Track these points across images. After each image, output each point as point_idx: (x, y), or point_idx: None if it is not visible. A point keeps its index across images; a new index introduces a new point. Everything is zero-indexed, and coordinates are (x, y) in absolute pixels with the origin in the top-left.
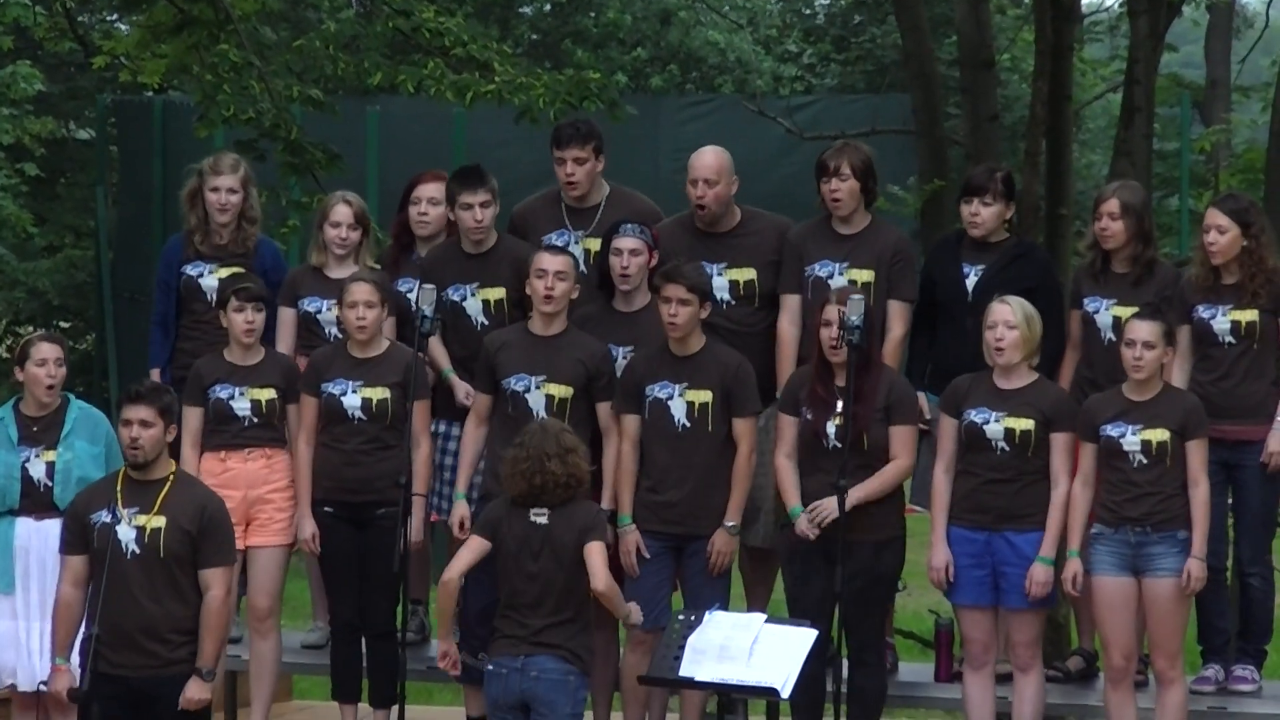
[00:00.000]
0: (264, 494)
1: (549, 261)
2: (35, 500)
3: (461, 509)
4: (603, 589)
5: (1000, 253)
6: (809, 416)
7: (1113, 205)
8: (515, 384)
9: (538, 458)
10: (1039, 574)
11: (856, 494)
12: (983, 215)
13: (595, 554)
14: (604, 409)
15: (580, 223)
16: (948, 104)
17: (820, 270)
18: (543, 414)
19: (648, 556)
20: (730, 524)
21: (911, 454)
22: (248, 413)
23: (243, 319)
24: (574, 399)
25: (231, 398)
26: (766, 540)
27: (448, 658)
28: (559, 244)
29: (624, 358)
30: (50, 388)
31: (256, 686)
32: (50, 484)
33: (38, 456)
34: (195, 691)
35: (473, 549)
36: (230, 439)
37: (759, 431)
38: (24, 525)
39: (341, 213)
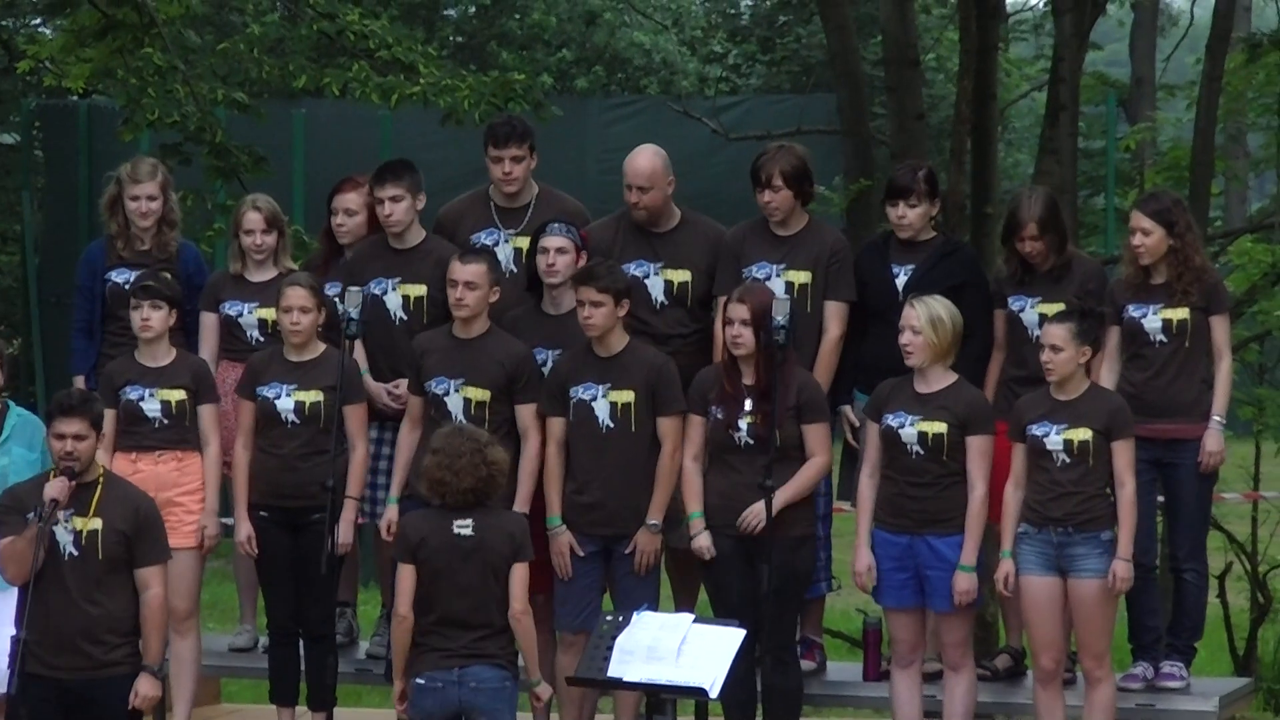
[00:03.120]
0: (174, 496)
1: (459, 271)
2: None
3: (392, 512)
4: (519, 613)
5: (929, 252)
6: (719, 415)
7: (1032, 229)
8: (436, 387)
9: (478, 450)
10: (962, 582)
11: (781, 497)
12: (909, 217)
13: (518, 577)
14: (524, 411)
15: (510, 222)
16: (873, 103)
17: (758, 271)
18: (461, 417)
19: (581, 555)
20: (652, 522)
21: (827, 451)
22: (158, 413)
23: (138, 316)
24: (493, 401)
25: (142, 399)
26: (684, 542)
27: (404, 700)
28: (488, 243)
29: (553, 360)
30: None
31: (178, 686)
32: None
33: None
34: (147, 688)
35: (408, 577)
36: (141, 440)
37: None
38: None
39: (252, 219)
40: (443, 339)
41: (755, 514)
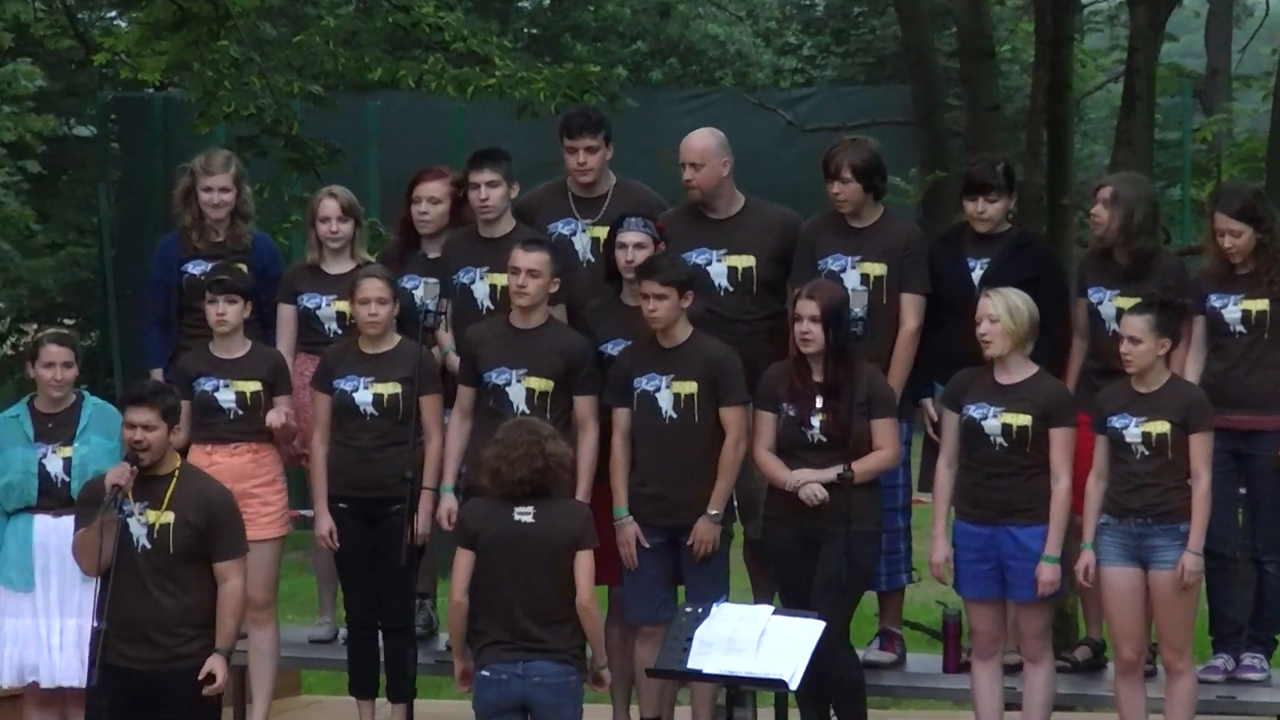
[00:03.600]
0: (250, 488)
1: (522, 259)
2: (53, 497)
3: (449, 502)
4: (585, 603)
5: (1004, 244)
6: (790, 412)
7: (1105, 193)
8: (496, 377)
9: (536, 443)
10: (1046, 573)
11: (857, 467)
12: (988, 212)
13: (583, 565)
14: (582, 403)
15: (587, 212)
16: (947, 95)
17: (833, 263)
18: (523, 407)
19: (647, 546)
20: (713, 513)
21: (896, 446)
22: (232, 405)
23: (214, 310)
24: (554, 392)
25: (216, 390)
26: (760, 534)
27: (466, 679)
28: (565, 232)
29: None
30: (58, 389)
31: (257, 677)
32: (68, 479)
33: (54, 452)
34: (215, 665)
35: (465, 563)
36: (216, 432)
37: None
38: (42, 523)
39: (329, 207)
40: (499, 329)
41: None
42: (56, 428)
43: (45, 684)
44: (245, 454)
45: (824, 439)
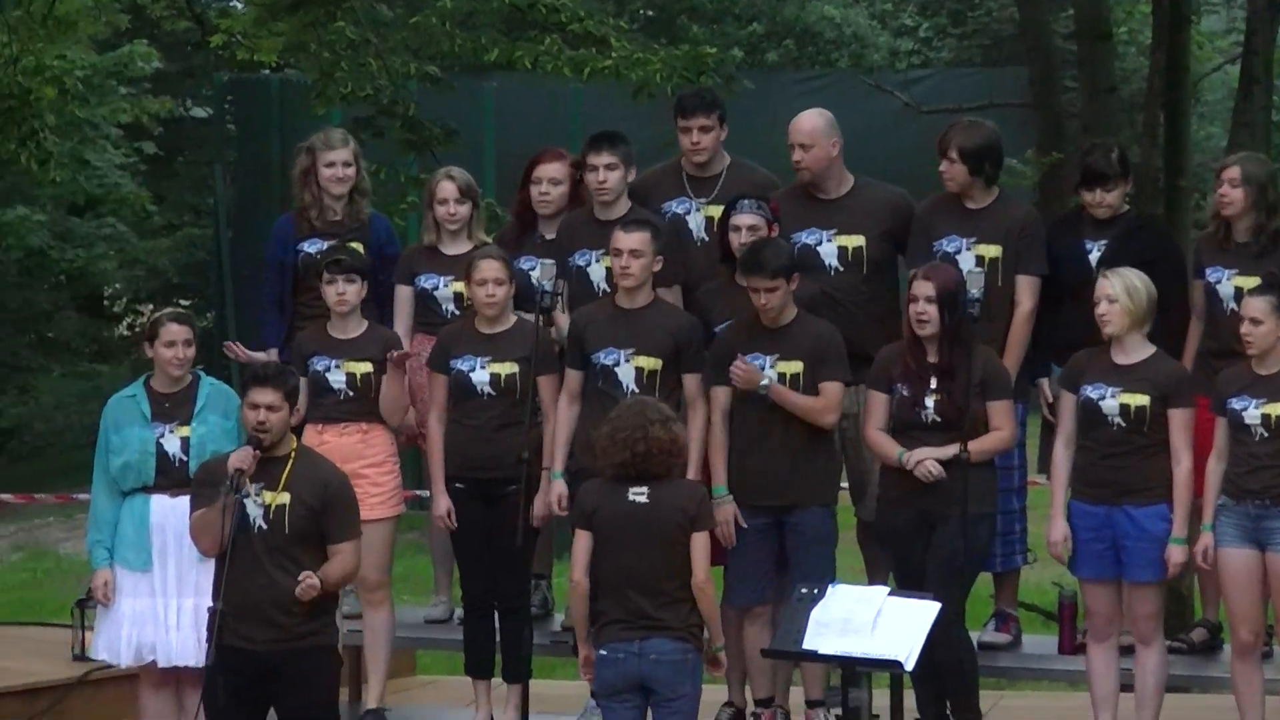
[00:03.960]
0: (359, 468)
1: (623, 240)
2: (170, 476)
3: (559, 487)
4: (701, 583)
5: (1121, 227)
6: (905, 392)
7: (1233, 173)
8: (605, 358)
9: (640, 425)
10: (1175, 554)
11: (973, 446)
12: (1108, 200)
13: (699, 546)
14: (691, 380)
15: (701, 191)
16: (1064, 77)
17: (948, 245)
18: (633, 387)
19: (745, 526)
20: (765, 381)
21: (1012, 427)
22: (343, 385)
23: (333, 290)
24: (663, 371)
25: (328, 370)
26: (873, 515)
27: (589, 665)
28: (679, 211)
29: None
30: (179, 368)
31: (372, 657)
32: (185, 459)
33: (171, 432)
34: (309, 579)
35: (583, 543)
36: (327, 412)
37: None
38: (159, 503)
39: (447, 188)
40: (605, 310)
41: (925, 456)
42: (174, 407)
43: (163, 663)
44: (354, 434)
45: (938, 419)
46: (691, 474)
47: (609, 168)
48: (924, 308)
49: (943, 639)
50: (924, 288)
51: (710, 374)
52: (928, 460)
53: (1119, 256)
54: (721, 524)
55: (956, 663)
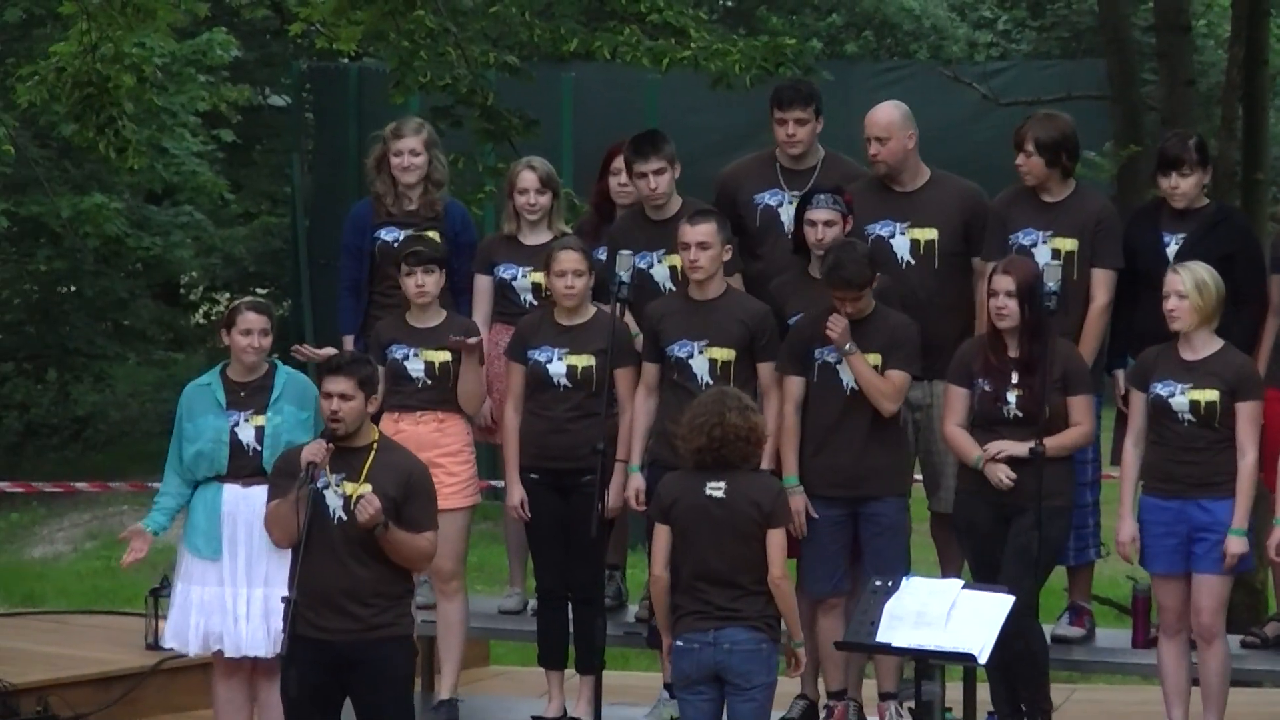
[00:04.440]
0: (434, 457)
1: (690, 233)
2: (243, 465)
3: (637, 481)
4: (779, 578)
5: (1200, 220)
6: (986, 388)
7: None
8: (679, 350)
9: (718, 411)
10: (1234, 545)
11: (1051, 443)
12: (1183, 187)
13: (775, 543)
14: (765, 369)
15: (795, 183)
16: (1143, 69)
17: (1024, 238)
18: (707, 378)
19: (815, 516)
20: (848, 346)
21: (1092, 422)
22: (421, 374)
23: (413, 282)
24: (737, 361)
25: (406, 359)
26: (947, 507)
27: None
28: (771, 203)
29: None
30: (255, 356)
31: (445, 648)
32: (259, 449)
33: (246, 421)
34: (372, 501)
35: (663, 537)
36: (404, 400)
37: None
38: (231, 491)
39: (527, 179)
40: (679, 302)
41: (1000, 450)
42: (249, 396)
43: (230, 653)
44: (431, 423)
45: (1019, 414)
46: (765, 464)
47: (658, 173)
48: (1004, 301)
49: (1015, 630)
50: (1004, 281)
51: (785, 363)
52: (1001, 468)
53: (1197, 250)
54: (794, 514)
55: (1029, 654)
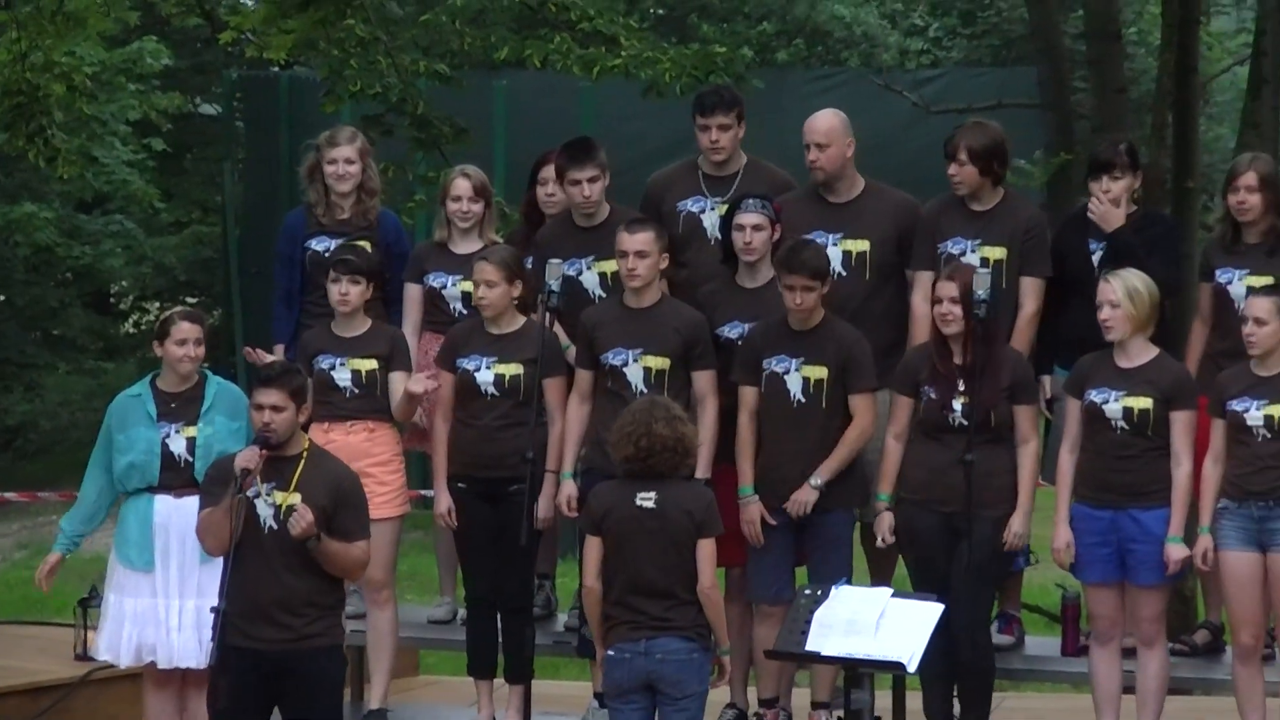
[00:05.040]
0: (365, 466)
1: (628, 241)
2: (175, 476)
3: (569, 487)
4: (707, 589)
5: (1127, 225)
6: (933, 395)
7: (1250, 179)
8: (614, 358)
9: (645, 422)
10: (1174, 552)
11: (1024, 504)
12: (1113, 191)
13: (705, 554)
14: (700, 377)
15: (718, 190)
16: (1074, 77)
17: (953, 247)
18: (642, 387)
19: (773, 523)
20: (815, 482)
21: (1037, 433)
22: (348, 383)
23: (336, 290)
24: (672, 369)
25: (333, 368)
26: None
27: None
28: (694, 210)
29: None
30: (190, 366)
31: (376, 658)
32: (191, 459)
33: (178, 432)
34: (306, 515)
35: (595, 548)
36: (333, 410)
37: (879, 406)
38: (163, 502)
39: (461, 186)
40: (614, 310)
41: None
42: (180, 407)
43: (163, 664)
44: (361, 432)
45: (965, 422)
46: (701, 472)
47: (591, 180)
48: (949, 308)
49: (973, 640)
50: (948, 288)
51: (739, 374)
52: (884, 526)
53: (1119, 251)
54: (748, 524)
55: (980, 668)
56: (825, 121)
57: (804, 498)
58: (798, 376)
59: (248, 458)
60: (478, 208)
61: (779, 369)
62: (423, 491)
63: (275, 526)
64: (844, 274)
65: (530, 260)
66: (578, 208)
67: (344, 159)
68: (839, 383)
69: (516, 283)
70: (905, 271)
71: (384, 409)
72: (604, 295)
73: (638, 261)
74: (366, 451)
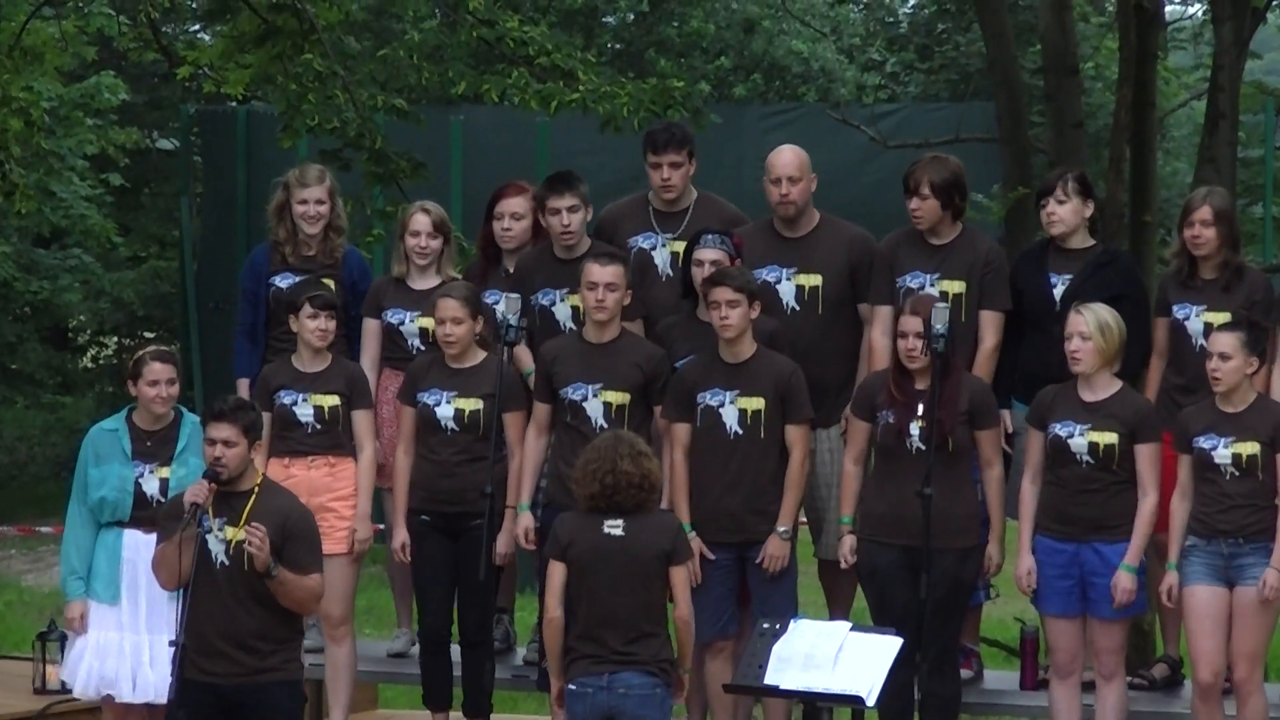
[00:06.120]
0: (326, 501)
1: (598, 274)
2: (147, 515)
3: (526, 520)
4: (685, 616)
5: (1086, 261)
6: (890, 419)
7: (1205, 213)
8: (573, 393)
9: (610, 458)
10: (1124, 581)
11: (996, 530)
12: (1059, 213)
13: (679, 580)
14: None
15: (668, 226)
16: (1032, 111)
17: (911, 281)
18: (601, 422)
19: (712, 558)
20: (782, 529)
21: (1000, 457)
22: (310, 419)
23: (316, 325)
24: (631, 404)
25: (295, 404)
26: (832, 552)
27: (561, 699)
28: (645, 246)
29: None
30: (163, 405)
31: (334, 691)
32: (163, 500)
33: (152, 473)
34: (262, 541)
35: (559, 574)
36: (293, 445)
37: (829, 442)
38: (132, 537)
39: (420, 221)
40: (574, 344)
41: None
42: (155, 446)
43: (124, 698)
44: (322, 467)
45: (922, 446)
46: (664, 504)
47: (571, 210)
48: (913, 343)
49: (942, 673)
50: (912, 323)
51: (670, 410)
52: (845, 548)
53: (1084, 291)
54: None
55: (950, 699)
56: (795, 155)
57: (778, 552)
58: (733, 409)
59: (196, 492)
60: (436, 244)
61: (714, 402)
62: (380, 526)
63: (226, 562)
64: (797, 308)
65: (489, 294)
66: (558, 238)
67: (315, 199)
68: (777, 414)
69: (479, 318)
70: (858, 306)
71: (345, 444)
72: (575, 328)
73: (607, 294)
74: (328, 486)
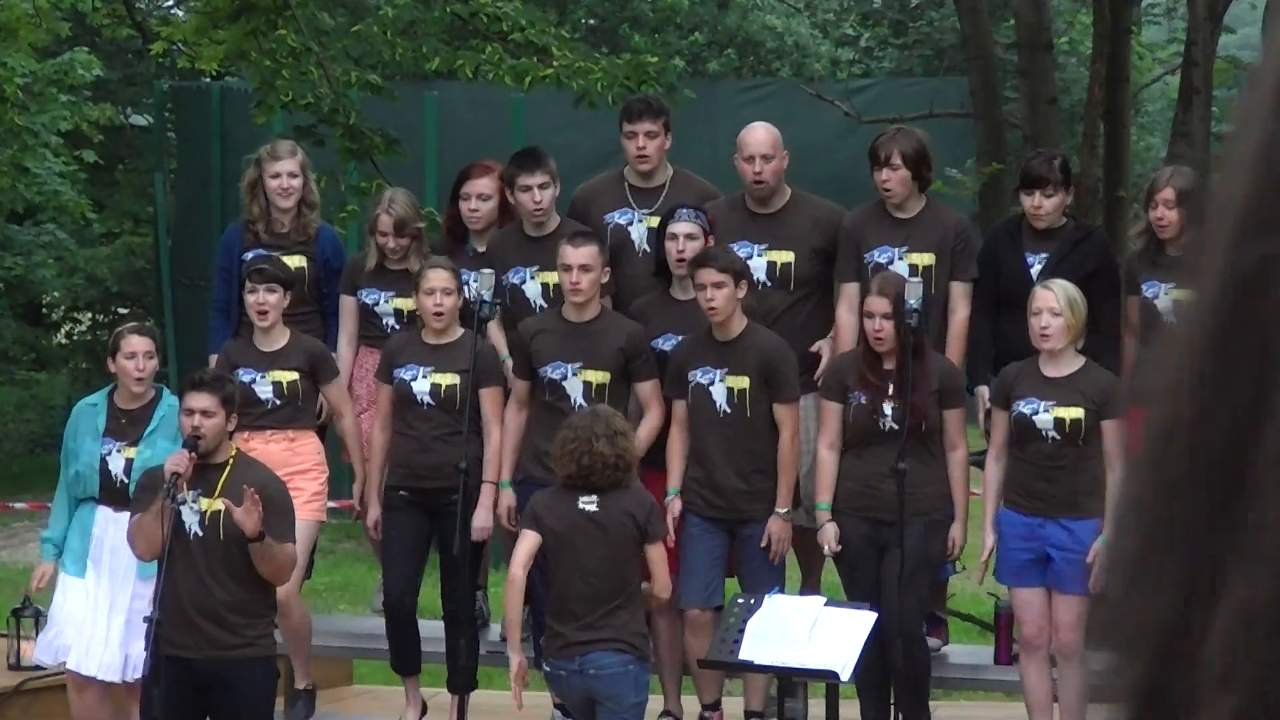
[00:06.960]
0: (284, 475)
1: (572, 255)
2: (111, 494)
3: (508, 497)
4: (666, 597)
5: (1061, 239)
6: (863, 400)
7: (1168, 194)
8: (552, 371)
9: (586, 439)
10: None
11: (960, 512)
12: (1046, 207)
13: (657, 559)
14: (643, 388)
15: (644, 202)
16: (1006, 87)
17: (880, 256)
18: (581, 400)
19: (692, 531)
20: (783, 510)
21: (965, 438)
22: (270, 395)
23: (255, 299)
24: (612, 383)
25: (254, 382)
26: (803, 520)
27: (521, 674)
28: (621, 222)
29: None
30: (140, 381)
31: (293, 647)
32: (126, 481)
33: (119, 452)
34: (240, 513)
35: (528, 541)
36: (253, 420)
37: (801, 412)
38: (103, 514)
39: (384, 223)
40: (553, 322)
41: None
42: (129, 425)
43: (72, 667)
44: (281, 441)
45: (895, 426)
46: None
47: (542, 187)
48: (881, 324)
49: (909, 648)
50: (879, 304)
51: (669, 389)
52: (828, 537)
53: (1061, 269)
54: (670, 519)
55: (921, 672)
56: (768, 133)
57: (781, 534)
58: (722, 387)
59: (177, 461)
60: (404, 241)
61: (704, 380)
62: (351, 503)
63: (201, 534)
64: (769, 284)
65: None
66: (529, 215)
67: (288, 173)
68: (763, 392)
69: (462, 294)
70: (833, 283)
71: (305, 419)
72: (545, 305)
73: (581, 275)
74: (286, 461)
